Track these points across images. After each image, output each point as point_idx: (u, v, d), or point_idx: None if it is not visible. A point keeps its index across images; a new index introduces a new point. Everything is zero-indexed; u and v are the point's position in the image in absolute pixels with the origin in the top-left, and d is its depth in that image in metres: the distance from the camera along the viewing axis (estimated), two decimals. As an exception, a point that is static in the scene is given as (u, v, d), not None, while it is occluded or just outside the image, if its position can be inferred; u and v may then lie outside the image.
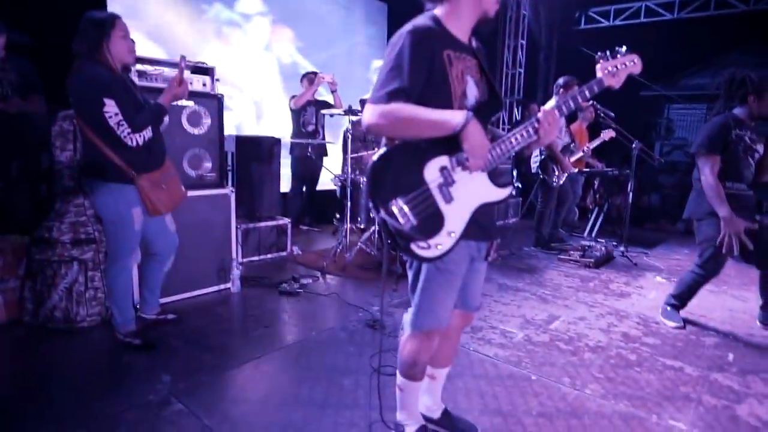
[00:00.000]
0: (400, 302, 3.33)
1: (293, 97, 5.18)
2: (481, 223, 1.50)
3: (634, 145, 5.00)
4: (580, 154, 5.17)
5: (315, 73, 5.21)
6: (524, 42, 8.53)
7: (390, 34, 7.32)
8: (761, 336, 3.11)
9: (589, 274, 4.43)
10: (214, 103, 3.33)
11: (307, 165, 5.32)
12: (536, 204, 5.36)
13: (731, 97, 2.98)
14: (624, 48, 1.58)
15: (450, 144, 1.38)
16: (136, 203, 2.31)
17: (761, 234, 3.02)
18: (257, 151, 4.36)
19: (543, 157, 5.09)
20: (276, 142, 4.49)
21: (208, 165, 3.35)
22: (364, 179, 1.46)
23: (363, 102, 6.31)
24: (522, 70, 8.61)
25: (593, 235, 6.11)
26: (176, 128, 3.15)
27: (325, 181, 5.93)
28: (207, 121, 3.31)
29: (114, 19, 2.19)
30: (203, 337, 2.70)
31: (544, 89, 9.41)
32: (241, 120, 5.86)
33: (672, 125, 14.98)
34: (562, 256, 4.91)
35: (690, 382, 2.43)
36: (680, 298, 3.27)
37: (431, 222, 1.40)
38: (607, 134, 5.03)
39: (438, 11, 1.47)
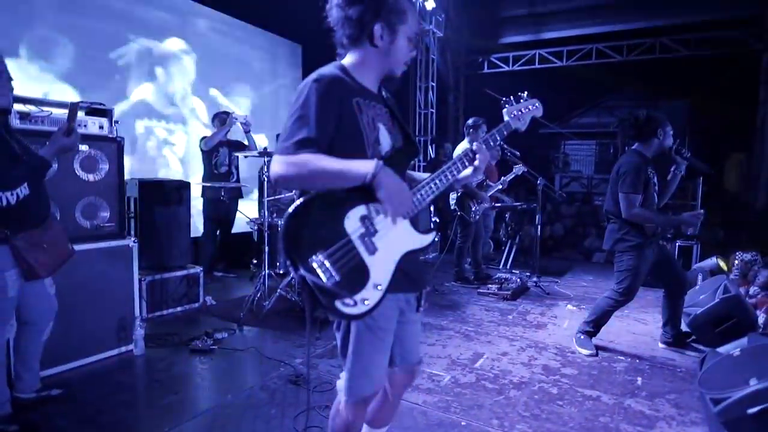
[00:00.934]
0: (325, 351, 3.18)
1: (204, 138, 4.94)
2: (409, 273, 1.44)
3: (539, 181, 5.35)
4: (498, 187, 5.42)
5: (227, 113, 5.03)
6: (434, 84, 8.97)
7: (305, 75, 7.41)
8: (663, 357, 3.36)
9: (508, 306, 4.58)
10: (113, 147, 3.06)
11: (221, 208, 5.05)
12: (455, 240, 5.51)
13: (639, 134, 3.26)
14: (526, 93, 1.68)
15: (368, 192, 1.32)
16: (10, 266, 2.04)
17: (663, 255, 3.37)
18: (164, 196, 4.05)
19: (460, 194, 5.27)
20: (185, 186, 4.21)
21: (106, 214, 3.04)
22: (280, 233, 1.33)
23: (278, 137, 6.19)
24: (433, 111, 9.01)
25: (508, 266, 6.39)
26: (67, 175, 2.84)
27: (241, 225, 5.67)
28: (104, 167, 3.01)
29: None
30: (99, 412, 2.35)
31: (454, 128, 9.92)
32: (162, 162, 5.49)
33: (568, 159, 16.50)
34: (481, 290, 5.05)
35: (607, 411, 2.54)
36: (595, 324, 3.46)
37: (355, 276, 1.31)
38: (519, 169, 5.34)
39: (346, 60, 1.46)
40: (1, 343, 2.12)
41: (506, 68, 10.25)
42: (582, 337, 3.48)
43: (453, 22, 9.38)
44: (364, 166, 1.29)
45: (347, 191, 1.32)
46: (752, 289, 4.18)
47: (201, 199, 5.11)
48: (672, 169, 3.37)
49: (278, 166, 1.27)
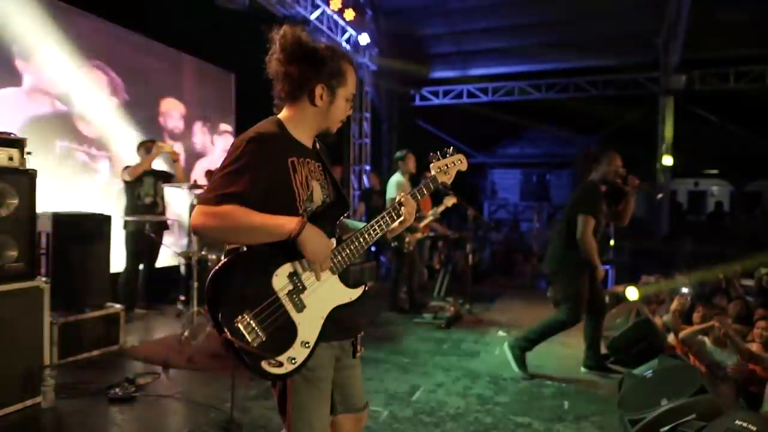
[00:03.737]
0: (259, 393, 3.05)
1: (126, 167, 4.67)
2: (341, 321, 1.44)
3: (469, 212, 5.57)
4: (429, 218, 5.56)
5: (153, 141, 4.81)
6: (369, 114, 9.17)
7: (238, 103, 7.23)
8: (586, 381, 3.56)
9: (442, 335, 4.67)
10: (24, 180, 2.82)
11: (144, 242, 4.76)
12: (389, 269, 5.57)
13: (586, 168, 3.68)
14: (451, 148, 1.79)
15: (295, 249, 1.32)
16: None
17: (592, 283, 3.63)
18: (81, 230, 3.76)
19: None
20: (105, 219, 3.94)
21: (13, 254, 2.76)
22: (204, 293, 1.29)
23: (209, 173, 5.99)
24: (368, 140, 9.19)
25: (442, 294, 6.53)
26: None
27: (166, 258, 5.39)
28: (13, 202, 2.76)
29: None
30: (-2, 480, 2.09)
31: (389, 157, 10.13)
32: (81, 190, 5.11)
33: (495, 187, 17.36)
34: (416, 319, 5.12)
35: (538, 438, 2.64)
36: (534, 341, 3.63)
37: (282, 335, 1.30)
38: (450, 200, 5.53)
39: (283, 115, 1.47)
40: None
41: (436, 101, 10.71)
42: (518, 353, 3.62)
43: (386, 56, 9.70)
44: (289, 223, 1.30)
45: (275, 247, 1.32)
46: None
47: (122, 232, 4.79)
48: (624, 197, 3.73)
49: (200, 216, 1.26)
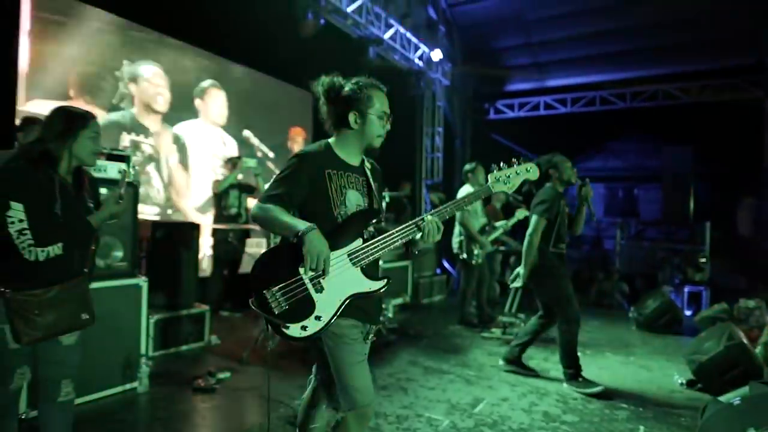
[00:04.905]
0: (325, 393, 3.19)
1: (216, 180, 5.14)
2: (361, 306, 1.73)
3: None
4: (499, 231, 5.49)
5: (239, 157, 5.25)
6: (441, 129, 9.23)
7: (315, 123, 7.65)
8: (666, 406, 3.32)
9: (501, 349, 4.55)
10: (129, 190, 3.22)
11: (229, 249, 5.18)
12: (459, 282, 5.55)
13: (543, 176, 3.68)
14: (520, 158, 1.87)
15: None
16: (5, 320, 1.86)
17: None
18: (175, 237, 4.19)
19: (462, 237, 5.35)
20: (195, 227, 4.36)
21: (119, 254, 3.17)
22: (251, 268, 1.69)
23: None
24: (440, 155, 9.23)
25: (513, 310, 6.36)
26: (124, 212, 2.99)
27: (248, 265, 5.79)
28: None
29: (88, 119, 2.01)
30: (100, 450, 2.40)
31: (461, 172, 10.10)
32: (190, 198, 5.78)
33: (576, 202, 16.52)
34: (485, 334, 5.04)
35: (606, 459, 2.51)
36: (571, 363, 3.56)
37: (301, 307, 1.63)
38: (522, 213, 5.43)
39: (331, 139, 1.85)
40: (9, 392, 1.94)
41: (512, 114, 10.53)
42: (578, 381, 3.52)
43: (460, 71, 9.75)
44: (299, 226, 1.61)
45: None
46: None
47: (211, 241, 5.25)
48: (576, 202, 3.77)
49: (254, 208, 1.73)
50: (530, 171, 1.90)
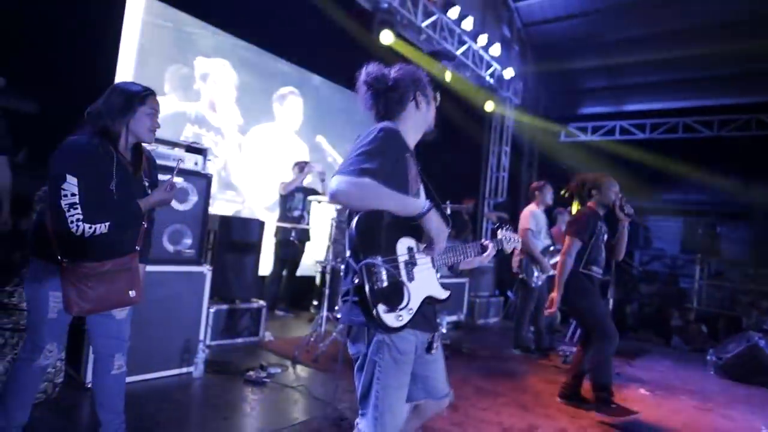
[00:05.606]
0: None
1: (282, 183, 5.30)
2: (425, 314, 1.59)
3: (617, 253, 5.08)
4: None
5: (306, 162, 5.39)
6: (508, 149, 9.04)
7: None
8: (750, 460, 2.95)
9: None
10: (203, 182, 3.38)
11: (290, 249, 5.30)
12: (516, 304, 5.31)
13: (582, 196, 3.65)
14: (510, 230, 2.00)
15: (414, 229, 1.56)
16: (58, 287, 1.89)
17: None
18: (241, 232, 4.34)
19: (523, 257, 5.14)
20: (260, 225, 4.49)
21: (188, 241, 3.31)
22: (351, 229, 1.50)
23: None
24: (506, 174, 9.02)
25: (575, 340, 6.00)
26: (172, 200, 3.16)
27: (306, 268, 5.89)
28: (193, 198, 3.32)
29: (146, 95, 1.99)
30: (155, 425, 2.47)
31: (525, 193, 9.80)
32: (255, 196, 6.02)
33: (650, 236, 15.48)
34: (542, 361, 4.77)
35: None
36: (604, 385, 3.33)
37: (396, 292, 1.48)
38: (554, 258, 5.12)
39: (395, 120, 1.71)
40: (26, 369, 1.95)
41: (584, 138, 10.12)
42: (613, 406, 3.31)
43: (531, 91, 9.54)
44: (419, 201, 1.53)
45: (401, 221, 1.52)
46: None
47: (273, 240, 5.40)
48: (619, 227, 3.56)
49: (340, 182, 1.44)
50: (519, 243, 2.03)
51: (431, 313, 1.65)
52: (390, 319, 1.44)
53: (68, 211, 1.78)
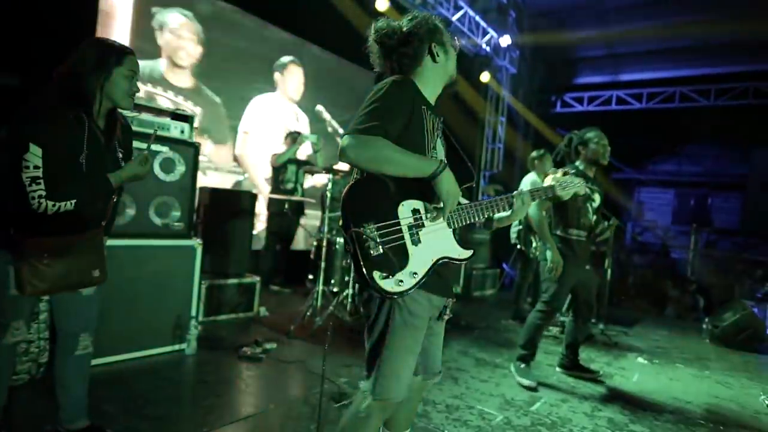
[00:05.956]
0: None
1: (275, 154, 5.12)
2: (443, 276, 1.52)
3: (610, 221, 5.01)
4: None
5: (299, 132, 5.20)
6: (504, 119, 8.86)
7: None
8: (752, 428, 2.93)
9: (569, 351, 4.24)
10: (190, 151, 3.21)
11: (284, 222, 5.16)
12: (513, 278, 5.26)
13: (569, 154, 3.46)
14: (573, 172, 1.90)
15: (423, 191, 1.47)
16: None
17: (585, 277, 3.39)
18: (232, 205, 4.19)
19: (521, 227, 5.06)
20: (252, 197, 4.34)
21: (177, 214, 3.16)
22: (342, 197, 1.42)
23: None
24: (501, 146, 8.86)
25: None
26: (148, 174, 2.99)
27: (300, 242, 5.77)
28: (181, 169, 3.16)
29: (124, 53, 1.77)
30: (146, 403, 2.38)
31: (521, 165, 9.68)
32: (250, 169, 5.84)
33: (642, 207, 15.51)
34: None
35: (684, 478, 2.22)
36: (530, 345, 3.33)
37: (397, 257, 1.40)
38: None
39: (411, 76, 1.58)
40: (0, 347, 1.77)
41: (580, 108, 9.96)
42: (522, 365, 3.31)
43: (527, 60, 9.31)
44: (432, 162, 1.42)
45: (404, 182, 1.43)
46: None
47: (266, 213, 5.25)
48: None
49: (351, 140, 1.35)
50: (580, 186, 1.88)
51: (448, 276, 1.56)
52: (388, 284, 1.37)
53: (29, 185, 1.57)
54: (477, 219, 1.57)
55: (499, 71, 8.57)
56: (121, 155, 1.88)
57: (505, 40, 8.02)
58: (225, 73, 5.42)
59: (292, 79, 6.21)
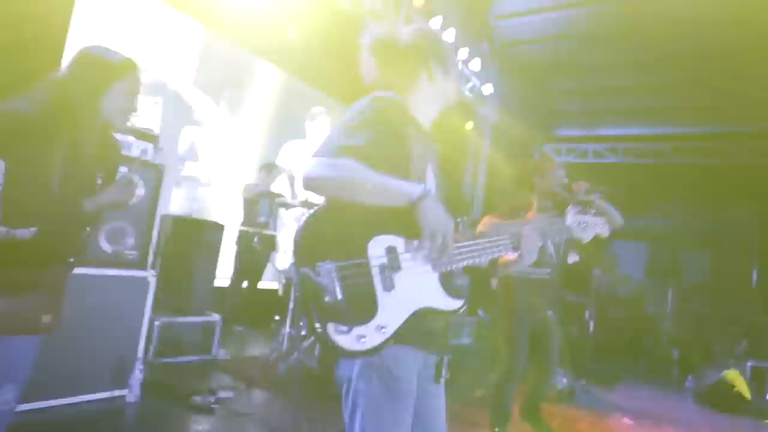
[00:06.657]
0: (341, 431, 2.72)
1: (247, 185, 4.87)
2: (430, 329, 1.25)
3: (596, 271, 4.90)
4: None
5: (274, 164, 4.99)
6: (484, 165, 8.88)
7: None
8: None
9: (552, 409, 3.96)
10: (153, 174, 2.95)
11: (252, 257, 4.85)
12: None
13: (525, 187, 3.03)
14: (595, 209, 1.64)
15: (403, 224, 1.18)
16: None
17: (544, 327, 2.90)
18: (196, 236, 3.89)
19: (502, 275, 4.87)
20: (219, 228, 4.05)
21: (131, 241, 2.85)
22: (297, 229, 1.14)
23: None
24: (481, 192, 8.84)
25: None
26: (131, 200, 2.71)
27: (269, 281, 5.44)
28: (140, 192, 2.87)
29: (127, 67, 1.60)
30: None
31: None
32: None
33: (616, 260, 15.65)
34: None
35: None
36: (500, 420, 2.84)
37: (360, 305, 1.11)
38: (571, 258, 4.92)
39: (402, 99, 1.37)
40: None
41: (558, 159, 10.12)
42: None
43: (509, 110, 9.47)
44: (413, 187, 1.18)
45: (378, 213, 1.17)
46: None
47: (234, 248, 4.93)
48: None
49: (316, 166, 1.13)
50: (604, 227, 1.64)
51: (438, 329, 1.28)
52: (346, 341, 1.08)
53: None
54: (467, 260, 1.30)
55: (481, 120, 8.66)
56: (100, 181, 1.63)
57: (488, 89, 8.14)
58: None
59: (321, 127, 6.64)
